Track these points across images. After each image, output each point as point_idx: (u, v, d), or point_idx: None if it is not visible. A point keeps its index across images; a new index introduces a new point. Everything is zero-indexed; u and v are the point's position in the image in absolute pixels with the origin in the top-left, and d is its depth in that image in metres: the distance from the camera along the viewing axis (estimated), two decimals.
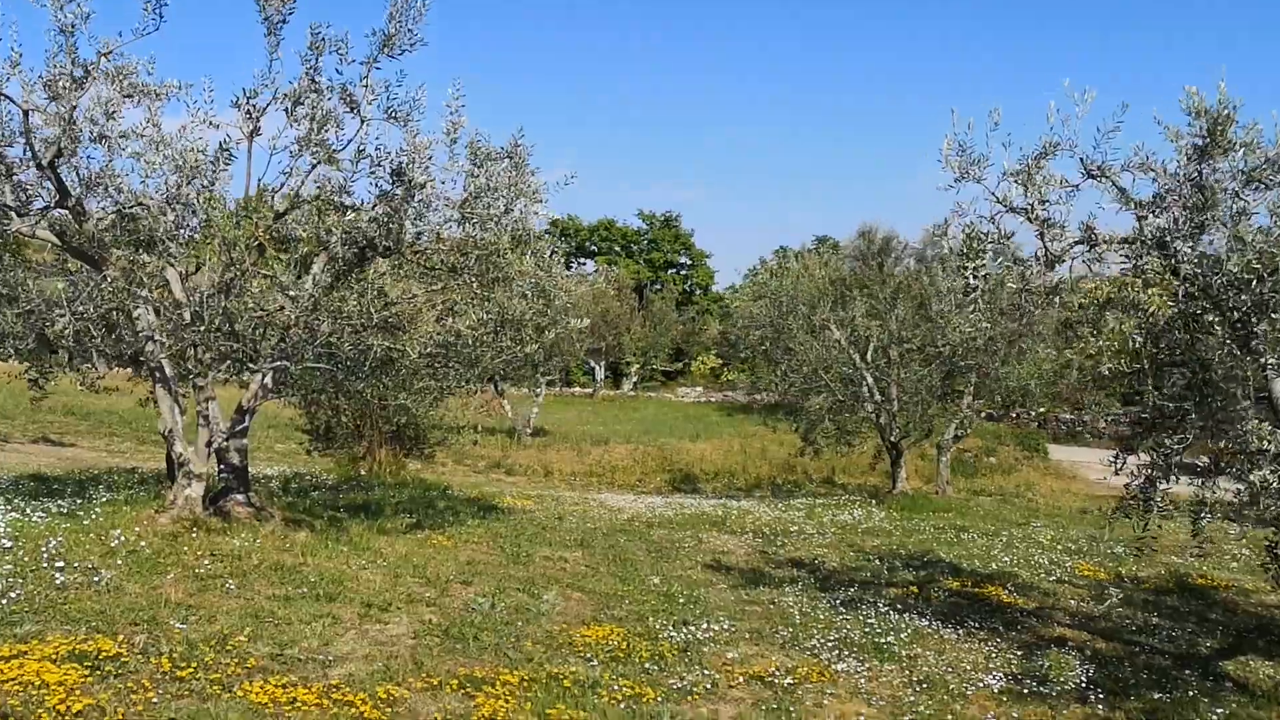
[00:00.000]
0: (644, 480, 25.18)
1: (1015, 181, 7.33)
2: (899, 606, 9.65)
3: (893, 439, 18.23)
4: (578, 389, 52.11)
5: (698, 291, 70.85)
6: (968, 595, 10.37)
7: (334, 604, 8.19)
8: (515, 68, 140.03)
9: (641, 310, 53.12)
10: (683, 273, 72.30)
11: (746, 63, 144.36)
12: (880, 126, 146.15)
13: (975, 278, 7.14)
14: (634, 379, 52.76)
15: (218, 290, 8.87)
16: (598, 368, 49.89)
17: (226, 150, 8.12)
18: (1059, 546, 13.71)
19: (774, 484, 24.98)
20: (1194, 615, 9.99)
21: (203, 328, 8.88)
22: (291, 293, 8.72)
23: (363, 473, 17.80)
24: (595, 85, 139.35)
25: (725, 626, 8.66)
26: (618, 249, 70.45)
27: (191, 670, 6.07)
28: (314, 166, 9.04)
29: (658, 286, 64.25)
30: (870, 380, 18.32)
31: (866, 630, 8.74)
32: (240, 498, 10.81)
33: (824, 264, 27.93)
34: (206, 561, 8.86)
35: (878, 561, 12.10)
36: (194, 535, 9.60)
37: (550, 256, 11.71)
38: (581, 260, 69.24)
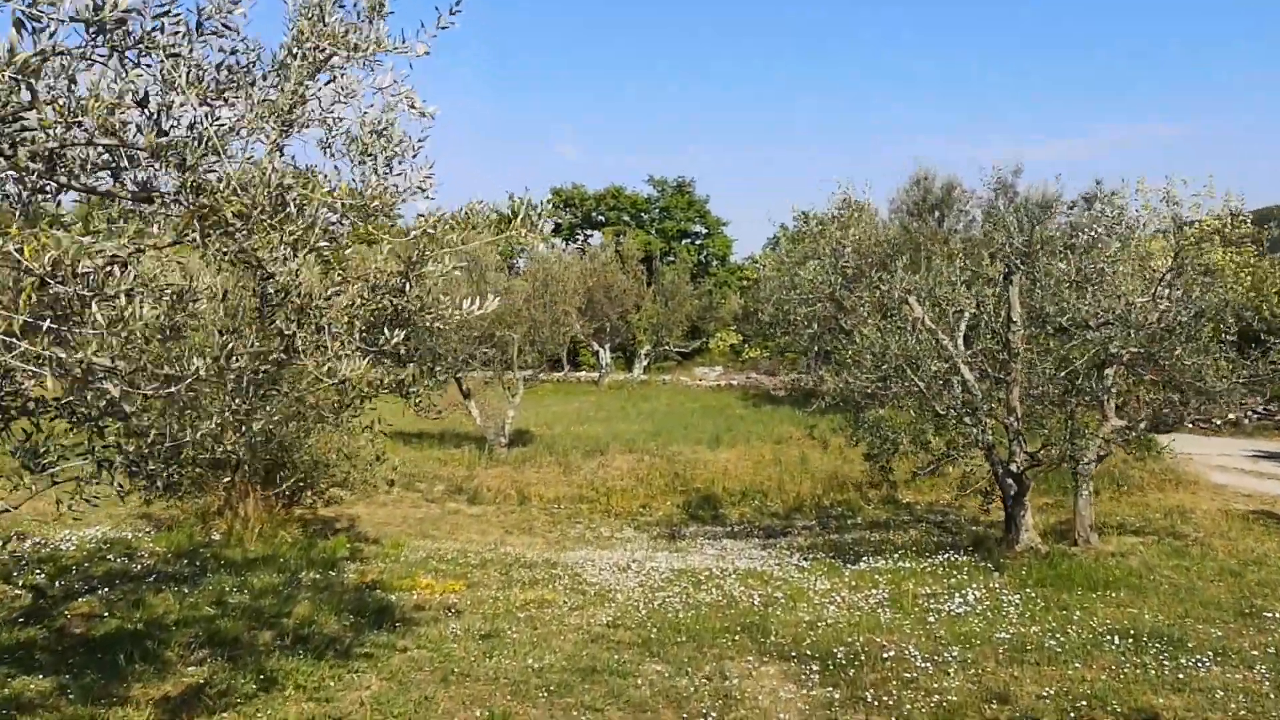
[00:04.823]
0: (649, 506, 19.10)
1: None
2: None
3: (1014, 468, 11.89)
4: (584, 373, 45.81)
5: (714, 263, 64.24)
6: None
7: None
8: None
9: (652, 284, 46.72)
10: (698, 242, 65.72)
11: (757, 23, 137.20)
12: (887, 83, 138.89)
13: None
14: (644, 362, 46.46)
15: None
16: (602, 350, 43.62)
17: None
18: None
19: (819, 507, 18.89)
20: None
21: None
22: None
23: (216, 537, 11.86)
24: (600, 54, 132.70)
25: None
26: (626, 218, 64.04)
27: None
28: None
29: (670, 258, 57.86)
30: (971, 378, 12.13)
31: None
32: None
33: (872, 216, 21.81)
34: None
35: None
36: None
37: (415, 180, 5.47)
38: (588, 232, 62.95)
